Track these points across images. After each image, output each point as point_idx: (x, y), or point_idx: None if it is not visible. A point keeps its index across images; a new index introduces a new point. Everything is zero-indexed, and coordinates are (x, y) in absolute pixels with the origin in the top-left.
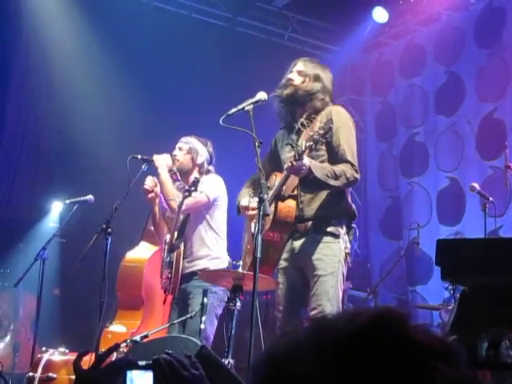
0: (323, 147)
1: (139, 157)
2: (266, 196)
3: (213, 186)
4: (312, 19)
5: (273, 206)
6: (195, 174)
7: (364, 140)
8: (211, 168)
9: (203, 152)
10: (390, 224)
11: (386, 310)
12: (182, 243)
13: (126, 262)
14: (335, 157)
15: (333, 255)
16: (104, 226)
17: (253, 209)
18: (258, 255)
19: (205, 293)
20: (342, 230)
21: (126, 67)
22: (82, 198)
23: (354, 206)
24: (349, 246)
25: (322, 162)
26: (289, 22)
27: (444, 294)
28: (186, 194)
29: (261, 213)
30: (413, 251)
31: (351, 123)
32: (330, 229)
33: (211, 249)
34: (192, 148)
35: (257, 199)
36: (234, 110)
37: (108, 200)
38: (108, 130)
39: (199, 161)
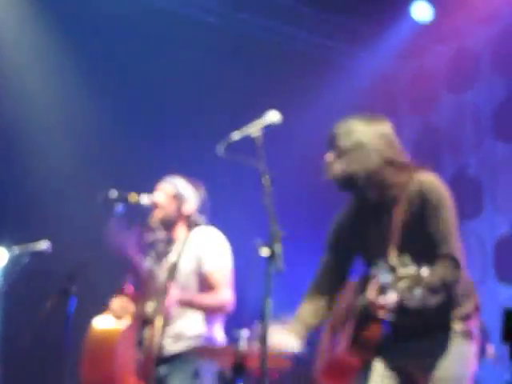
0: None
1: (113, 194)
2: (278, 249)
3: (228, 274)
4: (332, 15)
5: (352, 325)
6: (181, 229)
7: None
8: (202, 218)
9: (193, 199)
10: None
11: None
12: (161, 315)
13: (94, 333)
14: (429, 247)
15: (460, 356)
16: (66, 284)
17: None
18: (267, 324)
19: (196, 374)
20: (473, 326)
21: (93, 72)
22: (34, 246)
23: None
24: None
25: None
26: (302, 19)
27: (504, 375)
28: (159, 252)
29: (272, 269)
30: None
31: (449, 197)
32: (458, 327)
33: (205, 327)
34: (179, 194)
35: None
36: (236, 136)
37: (71, 248)
38: (71, 155)
39: (187, 209)
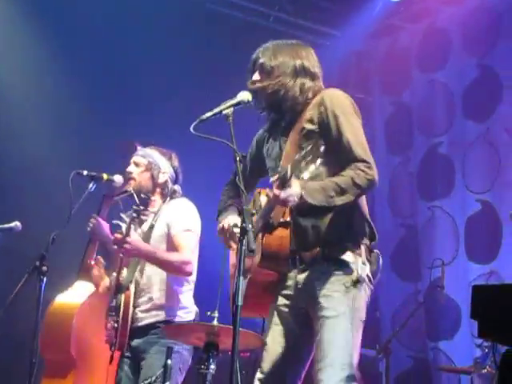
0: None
1: (85, 173)
2: (250, 226)
3: (193, 238)
4: None
5: (259, 237)
6: (157, 198)
7: (371, 151)
8: (177, 188)
9: (166, 167)
10: (404, 260)
11: None
12: (133, 283)
13: (53, 309)
14: (338, 154)
15: (345, 289)
16: (37, 263)
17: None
18: (240, 303)
19: (169, 351)
20: (360, 257)
21: (65, 51)
22: (5, 226)
23: (370, 220)
24: (369, 276)
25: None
26: None
27: (475, 351)
28: (134, 215)
29: (243, 248)
30: (435, 296)
31: (352, 104)
32: (343, 255)
33: (175, 296)
34: (152, 163)
35: (237, 229)
36: (208, 114)
37: (42, 228)
38: (41, 135)
39: (161, 179)
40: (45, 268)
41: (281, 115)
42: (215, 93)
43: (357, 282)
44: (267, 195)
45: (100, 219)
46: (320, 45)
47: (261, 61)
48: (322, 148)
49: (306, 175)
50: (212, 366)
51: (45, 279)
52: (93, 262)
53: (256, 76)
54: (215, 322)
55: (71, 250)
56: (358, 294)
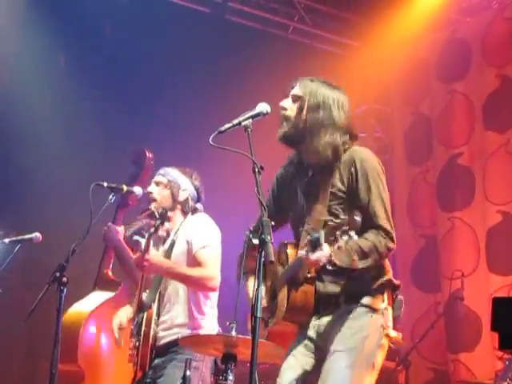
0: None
1: (105, 184)
2: (268, 238)
3: (214, 253)
4: (325, 6)
5: (285, 291)
6: (178, 216)
7: (390, 162)
8: (199, 206)
9: (186, 185)
10: (423, 272)
11: None
12: (156, 302)
13: (65, 319)
14: (363, 219)
15: (359, 328)
16: (57, 274)
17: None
18: (259, 314)
19: (187, 363)
20: (383, 304)
21: (86, 64)
22: (25, 237)
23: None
24: (390, 323)
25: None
26: (295, 8)
27: (497, 364)
28: (152, 230)
29: (262, 259)
30: (455, 308)
31: (380, 167)
32: (365, 300)
33: (196, 315)
34: (171, 181)
35: (257, 241)
36: (227, 125)
37: (62, 239)
38: (61, 146)
39: (181, 197)
40: (65, 279)
41: (302, 151)
42: (234, 104)
43: (375, 324)
44: (295, 249)
45: (112, 225)
46: (339, 55)
47: (298, 91)
48: (358, 219)
49: (340, 243)
50: (230, 377)
51: (65, 290)
52: (110, 273)
53: (287, 103)
54: (233, 333)
55: (90, 260)
56: (374, 335)
